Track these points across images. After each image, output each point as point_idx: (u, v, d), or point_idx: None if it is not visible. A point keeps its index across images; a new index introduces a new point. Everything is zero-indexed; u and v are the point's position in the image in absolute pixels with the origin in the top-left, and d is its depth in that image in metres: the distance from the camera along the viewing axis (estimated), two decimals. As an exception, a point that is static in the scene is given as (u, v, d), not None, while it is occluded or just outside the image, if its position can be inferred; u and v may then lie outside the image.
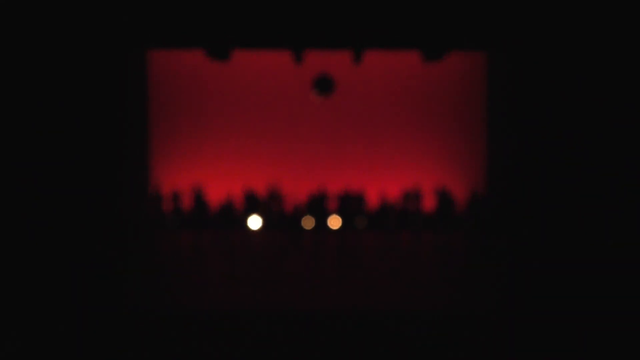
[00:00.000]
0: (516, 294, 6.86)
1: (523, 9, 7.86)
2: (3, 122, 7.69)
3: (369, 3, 7.79)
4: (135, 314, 6.28)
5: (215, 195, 10.16)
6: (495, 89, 9.90)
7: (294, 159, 10.74)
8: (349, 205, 9.78)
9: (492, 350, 5.48)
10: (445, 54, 8.95)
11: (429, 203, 9.95)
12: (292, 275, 8.00)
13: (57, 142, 8.07)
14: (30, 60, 7.75)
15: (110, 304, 6.52)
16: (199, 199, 9.47)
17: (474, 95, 10.45)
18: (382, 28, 7.98)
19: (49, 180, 7.97)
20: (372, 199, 10.18)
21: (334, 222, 9.59)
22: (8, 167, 7.72)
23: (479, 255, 9.02)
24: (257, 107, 10.64)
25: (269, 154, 10.72)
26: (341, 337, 5.78)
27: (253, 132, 10.69)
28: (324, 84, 8.93)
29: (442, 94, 10.56)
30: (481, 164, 10.47)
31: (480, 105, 10.43)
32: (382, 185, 10.42)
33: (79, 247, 7.79)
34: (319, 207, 9.61)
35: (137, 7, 7.68)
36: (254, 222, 9.32)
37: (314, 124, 10.70)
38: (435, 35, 8.10)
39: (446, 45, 8.45)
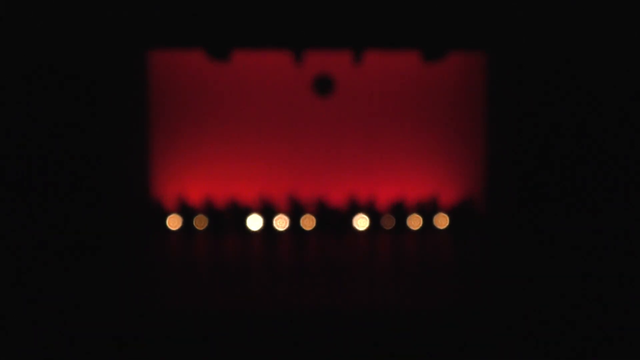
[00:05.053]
0: (516, 294, 6.85)
1: (523, 9, 7.87)
2: (1, 123, 7.71)
3: (369, 3, 7.81)
4: (135, 314, 6.28)
5: (217, 196, 10.17)
6: (495, 90, 9.90)
7: (294, 159, 10.74)
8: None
9: (493, 350, 5.48)
10: (445, 54, 8.96)
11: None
12: (292, 275, 7.99)
13: (57, 143, 8.09)
14: (30, 61, 7.76)
15: (110, 304, 6.51)
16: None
17: (475, 95, 10.44)
18: (382, 28, 7.99)
19: (49, 181, 7.98)
20: (378, 201, 10.18)
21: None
22: (7, 168, 7.73)
23: (478, 256, 9.01)
24: (258, 107, 10.64)
25: (269, 154, 10.72)
26: (340, 337, 5.78)
27: (253, 132, 10.69)
28: (323, 84, 8.95)
29: (442, 94, 10.55)
30: (481, 165, 10.46)
31: (481, 105, 10.43)
32: (382, 186, 10.43)
33: (78, 249, 7.79)
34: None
35: (136, 7, 7.69)
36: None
37: (314, 123, 10.70)
38: (435, 35, 8.11)
39: (446, 45, 8.47)
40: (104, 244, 8.34)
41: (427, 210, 9.96)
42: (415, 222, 9.63)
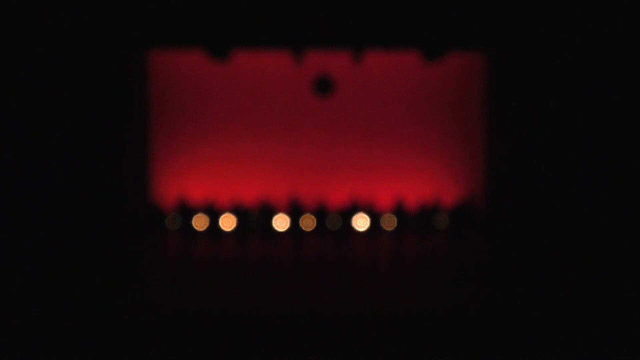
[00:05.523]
0: (517, 294, 6.85)
1: (523, 9, 7.87)
2: (2, 123, 7.70)
3: (369, 3, 7.81)
4: (134, 314, 6.27)
5: (217, 196, 10.17)
6: (495, 90, 9.91)
7: (294, 159, 10.74)
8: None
9: (493, 349, 5.47)
10: (445, 54, 8.96)
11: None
12: (292, 275, 7.99)
13: (58, 144, 8.08)
14: (30, 62, 7.76)
15: (108, 305, 6.51)
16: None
17: (475, 95, 10.44)
18: (382, 28, 7.99)
19: (49, 182, 7.98)
20: (378, 201, 10.17)
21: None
22: (7, 168, 7.72)
23: (478, 256, 9.01)
24: (258, 107, 10.65)
25: (269, 154, 10.72)
26: (340, 337, 5.77)
27: (253, 132, 10.69)
28: (323, 84, 8.95)
29: (442, 94, 10.55)
30: (481, 165, 10.47)
31: (481, 105, 10.43)
32: (382, 186, 10.43)
33: (77, 249, 7.78)
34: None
35: (136, 8, 7.69)
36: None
37: (314, 124, 10.70)
38: (435, 35, 8.11)
39: (446, 45, 8.46)
40: (104, 243, 8.33)
41: (428, 210, 9.95)
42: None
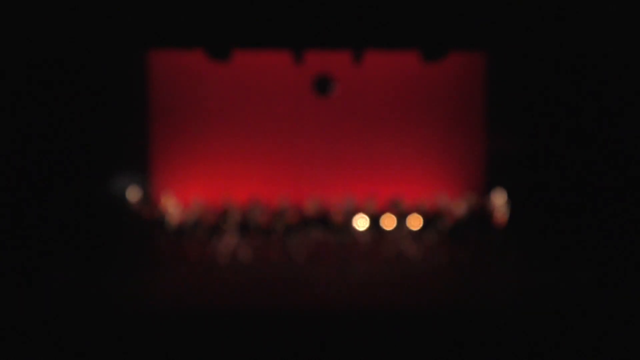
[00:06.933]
0: (516, 294, 6.86)
1: (523, 9, 7.87)
2: (1, 123, 7.71)
3: (369, 3, 7.81)
4: (132, 315, 6.28)
5: (216, 195, 10.16)
6: (495, 90, 9.92)
7: (294, 159, 10.74)
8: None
9: (492, 349, 5.48)
10: (445, 54, 8.96)
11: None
12: (292, 275, 8.00)
13: (56, 143, 8.09)
14: (30, 61, 7.76)
15: (106, 304, 6.52)
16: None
17: (475, 95, 10.44)
18: (382, 28, 7.99)
19: (48, 182, 7.98)
20: (378, 201, 10.17)
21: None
22: (7, 168, 7.73)
23: (477, 256, 9.02)
24: (258, 107, 10.65)
25: (269, 154, 10.73)
26: (340, 337, 5.78)
27: (253, 132, 10.69)
28: (323, 84, 8.94)
29: (442, 94, 10.55)
30: (481, 165, 10.47)
31: (481, 105, 10.43)
32: (382, 186, 10.43)
33: (75, 248, 7.79)
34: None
35: (137, 8, 7.69)
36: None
37: (314, 123, 10.71)
38: (435, 35, 8.12)
39: (446, 45, 8.47)
40: (103, 243, 8.34)
41: (427, 211, 9.95)
42: (415, 221, 9.58)
